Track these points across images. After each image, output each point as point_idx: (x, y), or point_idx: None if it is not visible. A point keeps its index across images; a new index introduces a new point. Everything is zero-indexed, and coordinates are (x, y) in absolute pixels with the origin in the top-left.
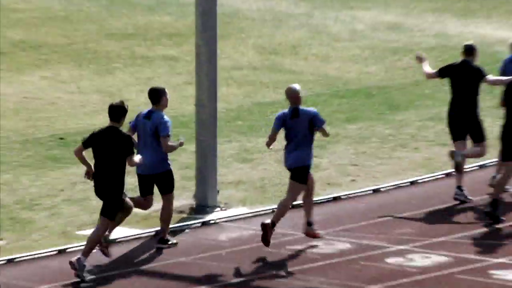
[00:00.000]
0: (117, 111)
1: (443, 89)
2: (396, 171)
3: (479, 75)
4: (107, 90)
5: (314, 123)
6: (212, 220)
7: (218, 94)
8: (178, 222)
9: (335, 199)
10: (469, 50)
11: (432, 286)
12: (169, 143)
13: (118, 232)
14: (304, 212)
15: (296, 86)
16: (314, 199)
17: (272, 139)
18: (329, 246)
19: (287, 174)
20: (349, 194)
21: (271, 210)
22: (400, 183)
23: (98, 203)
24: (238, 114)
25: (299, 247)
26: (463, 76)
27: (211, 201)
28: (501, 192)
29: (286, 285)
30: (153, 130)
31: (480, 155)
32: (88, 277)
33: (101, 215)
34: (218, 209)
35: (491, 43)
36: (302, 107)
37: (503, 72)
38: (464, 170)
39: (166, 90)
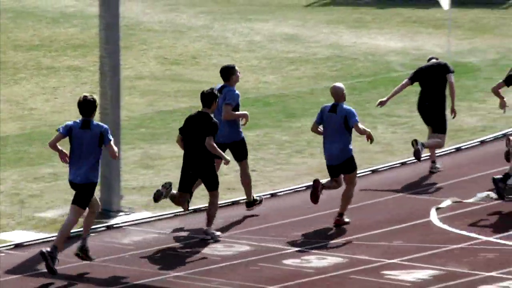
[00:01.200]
0: (208, 97)
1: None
2: (293, 176)
3: (445, 70)
4: (14, 99)
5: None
6: (117, 224)
7: (121, 103)
8: (83, 226)
9: (235, 203)
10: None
11: (327, 287)
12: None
13: (24, 236)
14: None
15: (340, 84)
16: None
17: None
18: (229, 248)
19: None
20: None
21: (173, 214)
22: (297, 188)
23: None
24: (141, 122)
25: (200, 249)
26: (431, 74)
27: (115, 205)
28: None
29: (188, 286)
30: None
31: (438, 146)
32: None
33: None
34: (122, 213)
35: (383, 53)
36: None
37: None
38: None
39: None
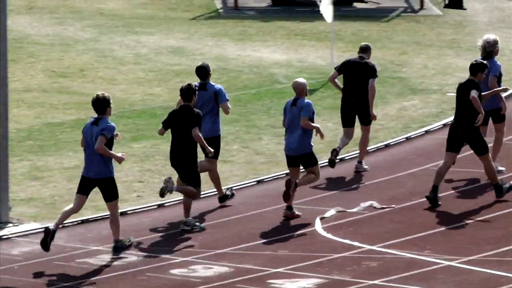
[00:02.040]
0: (188, 92)
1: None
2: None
3: (369, 73)
4: None
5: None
6: (5, 235)
7: (9, 115)
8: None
9: (122, 214)
10: (363, 49)
11: None
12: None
13: None
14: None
15: (301, 80)
16: (101, 214)
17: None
18: (117, 259)
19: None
20: (135, 209)
21: (61, 226)
22: (183, 199)
23: None
24: (29, 134)
25: (89, 260)
26: (356, 70)
27: (4, 217)
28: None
29: None
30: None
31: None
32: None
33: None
34: (10, 224)
35: (267, 66)
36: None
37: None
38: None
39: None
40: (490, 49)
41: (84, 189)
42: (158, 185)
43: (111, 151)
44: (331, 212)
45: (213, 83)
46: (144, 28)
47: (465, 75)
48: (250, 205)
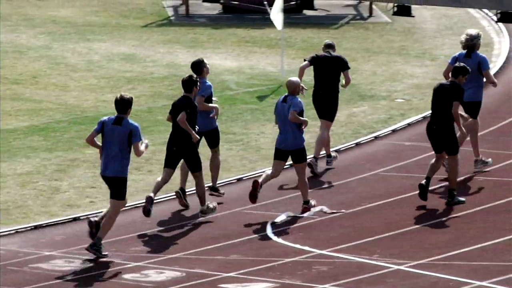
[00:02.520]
0: (189, 83)
1: None
2: (131, 192)
3: (342, 66)
4: None
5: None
6: None
7: None
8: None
9: (75, 219)
10: (330, 46)
11: None
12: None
13: None
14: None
15: (295, 79)
16: (54, 220)
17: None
18: (69, 264)
19: (30, 197)
20: (87, 214)
21: (15, 231)
22: (136, 204)
23: None
24: None
25: (41, 265)
26: (326, 64)
27: None
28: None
29: None
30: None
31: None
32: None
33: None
34: None
35: (219, 73)
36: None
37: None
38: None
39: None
40: (472, 43)
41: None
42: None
43: (143, 151)
44: (281, 217)
45: (206, 80)
46: (96, 35)
47: (414, 82)
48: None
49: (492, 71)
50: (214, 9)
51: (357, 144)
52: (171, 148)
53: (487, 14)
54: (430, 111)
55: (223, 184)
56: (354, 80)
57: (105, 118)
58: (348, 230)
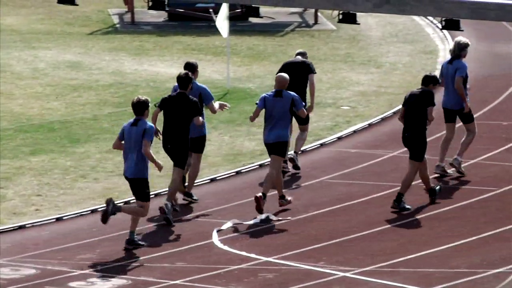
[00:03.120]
0: (185, 80)
1: (121, 123)
2: (77, 200)
3: (307, 70)
4: None
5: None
6: None
7: None
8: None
9: (21, 227)
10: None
11: None
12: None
13: None
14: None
15: (285, 75)
16: (0, 228)
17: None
18: (15, 272)
19: None
20: (33, 222)
21: None
22: (81, 212)
23: None
24: None
25: None
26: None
27: None
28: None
29: None
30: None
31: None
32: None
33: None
34: None
35: (164, 80)
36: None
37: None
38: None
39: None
40: (458, 52)
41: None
42: (56, 199)
43: (154, 157)
44: (228, 225)
45: (197, 82)
46: (42, 43)
47: (359, 89)
48: (147, 218)
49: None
50: (160, 16)
51: (303, 151)
52: (166, 147)
53: (432, 21)
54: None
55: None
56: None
57: (125, 123)
58: (294, 238)
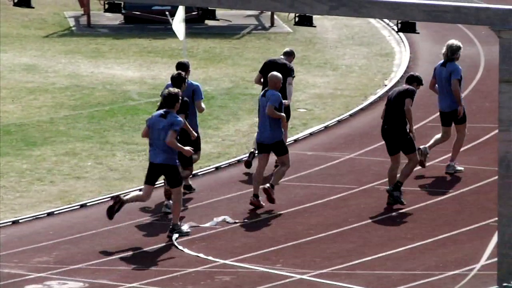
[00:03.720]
0: (178, 80)
1: (77, 126)
2: (34, 203)
3: (287, 73)
4: None
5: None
6: None
7: None
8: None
9: None
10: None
11: None
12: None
13: None
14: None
15: (279, 74)
16: None
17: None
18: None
19: None
20: None
21: None
22: (38, 215)
23: None
24: None
25: None
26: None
27: None
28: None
29: None
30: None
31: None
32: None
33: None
34: None
35: (121, 83)
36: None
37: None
38: None
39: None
40: (451, 56)
41: (151, 178)
42: (12, 202)
43: (178, 144)
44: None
45: (191, 81)
46: None
47: (315, 91)
48: (104, 221)
49: (392, 81)
50: (116, 19)
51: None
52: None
53: (388, 24)
54: (383, 117)
55: (125, 194)
56: (256, 90)
57: (156, 113)
58: (251, 240)
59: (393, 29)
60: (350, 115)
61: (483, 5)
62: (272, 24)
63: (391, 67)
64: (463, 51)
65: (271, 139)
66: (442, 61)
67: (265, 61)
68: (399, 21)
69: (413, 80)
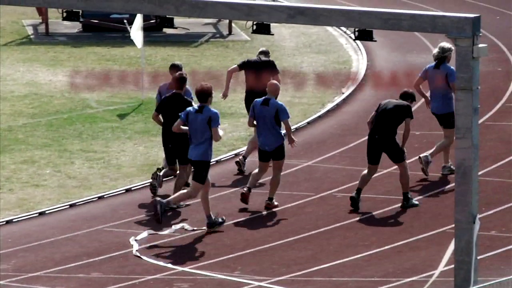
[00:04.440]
0: (180, 81)
1: (36, 134)
2: None
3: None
4: None
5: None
6: None
7: None
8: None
9: None
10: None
11: None
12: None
13: None
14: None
15: (276, 82)
16: None
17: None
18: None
19: None
20: None
21: None
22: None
23: None
24: None
25: None
26: (257, 68)
27: None
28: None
29: None
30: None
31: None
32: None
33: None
34: None
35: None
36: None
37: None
38: None
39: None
40: (443, 56)
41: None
42: None
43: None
44: (143, 235)
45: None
46: None
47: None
48: (63, 228)
49: (350, 89)
50: (74, 27)
51: (218, 162)
52: (167, 145)
53: (345, 32)
54: (373, 125)
55: (84, 202)
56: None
57: (190, 108)
58: (209, 247)
59: (350, 37)
60: (308, 123)
61: (439, 13)
62: (230, 32)
63: (348, 74)
64: (420, 59)
65: (273, 146)
66: (433, 63)
67: (245, 60)
68: (356, 29)
69: (408, 97)
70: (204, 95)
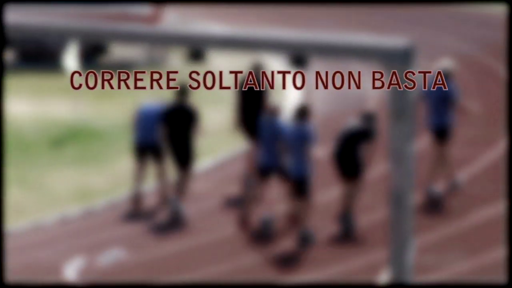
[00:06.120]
0: (183, 91)
1: None
2: None
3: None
4: None
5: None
6: None
7: None
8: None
9: None
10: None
11: None
12: None
13: None
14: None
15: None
16: None
17: None
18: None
19: None
20: None
21: None
22: None
23: None
24: None
25: None
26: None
27: None
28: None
29: None
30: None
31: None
32: None
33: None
34: None
35: (14, 120)
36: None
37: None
38: None
39: None
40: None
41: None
42: None
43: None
44: (79, 260)
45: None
46: None
47: (210, 128)
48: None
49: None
50: (8, 55)
51: None
52: (173, 152)
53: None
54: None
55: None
56: None
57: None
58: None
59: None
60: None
61: (374, 41)
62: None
63: (284, 99)
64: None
65: (274, 163)
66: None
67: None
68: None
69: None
70: (303, 112)
